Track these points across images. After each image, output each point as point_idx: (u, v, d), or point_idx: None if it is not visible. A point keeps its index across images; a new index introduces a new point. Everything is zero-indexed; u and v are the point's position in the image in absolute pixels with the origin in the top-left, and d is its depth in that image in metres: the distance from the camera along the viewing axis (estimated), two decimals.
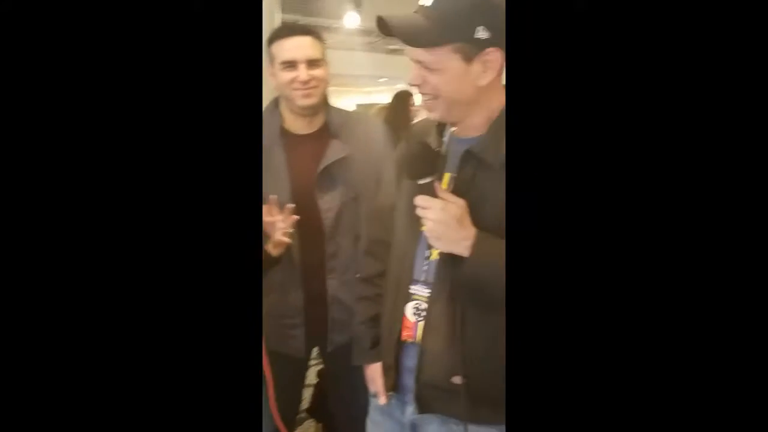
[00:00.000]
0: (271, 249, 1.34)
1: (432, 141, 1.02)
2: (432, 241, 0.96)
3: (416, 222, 1.01)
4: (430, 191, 0.95)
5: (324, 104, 1.47)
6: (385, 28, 0.91)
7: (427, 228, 0.95)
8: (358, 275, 1.38)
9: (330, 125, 1.47)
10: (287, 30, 1.43)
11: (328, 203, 1.43)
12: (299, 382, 1.67)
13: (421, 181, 0.96)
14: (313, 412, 2.22)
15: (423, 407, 1.04)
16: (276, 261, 1.37)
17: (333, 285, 1.45)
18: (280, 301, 1.46)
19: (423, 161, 0.96)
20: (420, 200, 0.95)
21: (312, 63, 1.40)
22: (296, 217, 1.34)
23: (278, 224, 1.32)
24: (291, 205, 1.34)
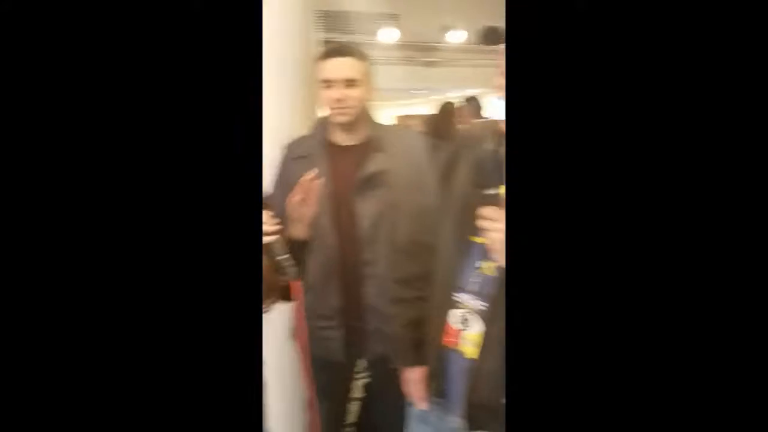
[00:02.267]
0: (294, 232, 1.26)
1: (495, 150, 1.00)
2: (496, 256, 0.94)
3: (465, 229, 1.00)
4: (491, 201, 0.92)
5: (366, 120, 1.51)
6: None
7: (492, 241, 0.92)
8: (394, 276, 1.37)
9: (373, 139, 1.51)
10: (329, 51, 1.48)
11: (366, 210, 1.45)
12: (344, 394, 1.67)
13: (487, 192, 0.92)
14: (358, 427, 2.21)
15: (474, 426, 1.03)
16: (303, 244, 1.29)
17: (370, 293, 1.46)
18: (315, 302, 1.49)
19: (490, 170, 0.94)
20: (487, 212, 0.91)
21: (349, 83, 1.45)
22: (320, 180, 1.24)
23: (297, 204, 1.23)
24: (314, 173, 1.23)
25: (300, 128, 1.67)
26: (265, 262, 1.09)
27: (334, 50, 1.48)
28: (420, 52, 7.78)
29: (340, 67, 1.45)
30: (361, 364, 1.63)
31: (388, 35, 7.21)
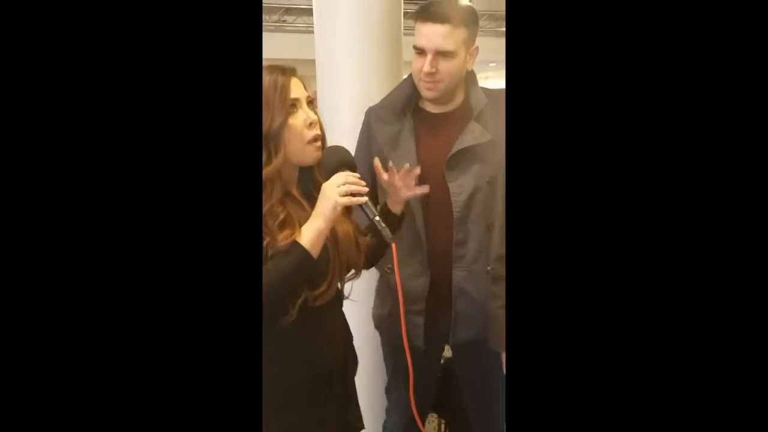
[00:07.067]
0: (391, 205, 1.23)
1: None
2: None
3: None
4: None
5: (460, 88, 1.38)
6: None
7: None
8: (489, 268, 1.31)
9: (470, 105, 1.37)
10: (425, 12, 1.30)
11: (460, 186, 1.33)
12: (424, 379, 1.63)
13: None
14: (436, 407, 2.20)
15: None
16: (400, 219, 1.25)
17: (459, 276, 1.36)
18: (403, 285, 1.40)
19: None
20: None
21: (443, 54, 1.29)
22: (417, 171, 1.23)
23: (396, 183, 1.21)
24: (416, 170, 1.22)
25: (385, 90, 1.56)
26: (350, 230, 1.06)
27: (430, 13, 1.28)
28: (493, 22, 7.54)
29: (433, 36, 1.28)
30: (444, 349, 1.58)
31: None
